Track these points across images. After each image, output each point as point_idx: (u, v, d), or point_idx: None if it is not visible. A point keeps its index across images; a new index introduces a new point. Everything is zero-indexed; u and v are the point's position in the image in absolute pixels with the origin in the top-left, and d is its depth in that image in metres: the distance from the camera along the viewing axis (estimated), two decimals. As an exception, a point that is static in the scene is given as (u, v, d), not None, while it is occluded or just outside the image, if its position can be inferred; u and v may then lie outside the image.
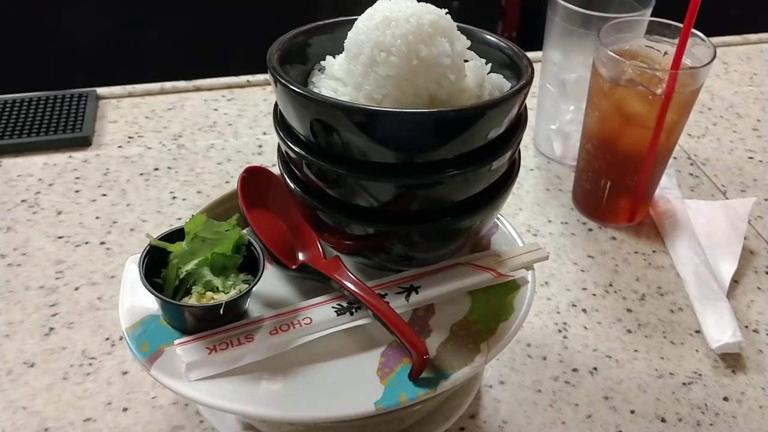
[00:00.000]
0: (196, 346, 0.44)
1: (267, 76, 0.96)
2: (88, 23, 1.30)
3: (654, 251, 0.70)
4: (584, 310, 0.64)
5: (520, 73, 0.46)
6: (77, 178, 0.78)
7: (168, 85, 0.94)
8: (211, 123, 0.88)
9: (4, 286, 0.65)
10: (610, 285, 0.66)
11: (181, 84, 0.94)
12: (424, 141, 0.42)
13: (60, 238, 0.70)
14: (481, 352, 0.45)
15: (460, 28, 0.46)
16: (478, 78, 0.45)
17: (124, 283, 0.49)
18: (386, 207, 0.45)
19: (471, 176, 0.44)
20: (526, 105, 0.45)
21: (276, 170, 0.51)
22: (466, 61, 0.45)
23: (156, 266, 0.47)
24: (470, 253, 0.52)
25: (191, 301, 0.45)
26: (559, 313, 0.63)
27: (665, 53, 0.65)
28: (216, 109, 0.91)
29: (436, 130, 0.42)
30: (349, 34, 0.45)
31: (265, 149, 0.83)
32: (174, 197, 0.76)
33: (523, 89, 0.43)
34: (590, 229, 0.73)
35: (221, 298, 0.45)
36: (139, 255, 0.47)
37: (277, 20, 1.39)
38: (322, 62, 0.48)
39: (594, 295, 0.65)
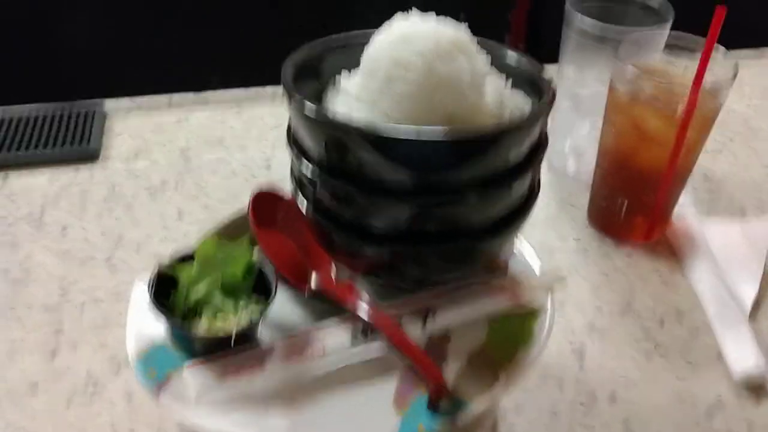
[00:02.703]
0: (205, 372, 0.42)
1: (275, 89, 0.95)
2: (94, 31, 1.29)
3: (671, 271, 0.68)
4: (600, 331, 0.62)
5: (540, 92, 0.45)
6: (83, 192, 0.77)
7: (175, 97, 0.93)
8: (219, 137, 0.87)
9: (6, 303, 0.63)
10: (627, 305, 0.65)
11: (189, 96, 0.93)
12: (441, 163, 0.41)
13: (65, 254, 0.69)
14: (501, 381, 0.44)
15: (479, 43, 0.45)
16: (497, 96, 0.44)
17: (132, 305, 0.47)
18: (402, 228, 0.44)
19: (489, 199, 0.43)
20: (546, 125, 0.44)
21: (285, 186, 0.50)
22: (485, 78, 0.44)
23: (165, 288, 0.46)
24: (486, 274, 0.51)
25: (202, 325, 0.44)
26: (574, 333, 0.62)
27: (685, 68, 0.63)
28: (223, 123, 0.89)
29: (454, 152, 0.40)
30: (366, 49, 0.44)
31: (272, 164, 0.82)
32: (180, 213, 0.74)
33: (544, 111, 0.41)
34: (605, 247, 0.71)
35: (232, 323, 0.43)
36: (148, 278, 0.45)
37: (285, 32, 1.38)
38: (337, 78, 0.47)
39: (610, 315, 0.63)
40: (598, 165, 0.70)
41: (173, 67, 1.12)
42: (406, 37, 0.42)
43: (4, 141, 0.82)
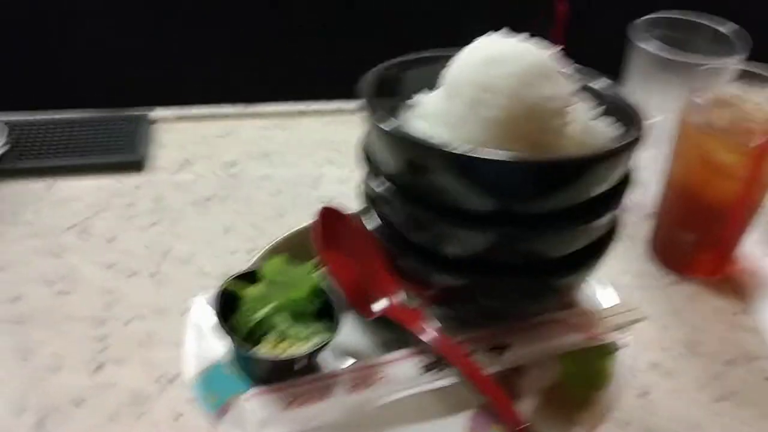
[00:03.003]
0: (269, 400, 0.40)
1: (323, 105, 0.93)
2: (141, 40, 1.28)
3: (739, 310, 0.65)
4: (667, 373, 0.59)
5: (628, 122, 0.42)
6: (128, 203, 0.75)
7: (221, 109, 0.92)
8: (265, 151, 0.85)
9: (52, 315, 0.62)
10: (693, 345, 0.62)
11: (235, 109, 0.92)
12: (525, 191, 0.39)
13: (110, 266, 0.67)
14: (579, 425, 0.41)
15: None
16: (584, 124, 0.42)
17: (190, 325, 0.45)
18: (476, 258, 0.41)
19: (571, 232, 0.41)
20: (634, 158, 0.42)
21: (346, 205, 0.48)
22: (572, 104, 0.42)
23: (225, 309, 0.44)
24: (561, 308, 0.48)
25: (264, 349, 0.42)
26: (637, 373, 0.59)
27: (759, 100, 0.61)
28: (270, 138, 0.88)
29: (540, 180, 0.38)
30: (448, 70, 0.42)
31: (320, 182, 0.80)
32: (227, 229, 0.72)
33: (636, 141, 0.39)
34: (669, 282, 0.68)
35: (297, 349, 0.41)
36: (211, 297, 0.43)
37: (335, 50, 1.37)
38: (413, 97, 0.45)
39: (676, 355, 0.61)
40: (663, 196, 0.67)
41: (221, 79, 1.11)
42: (492, 60, 0.40)
43: (51, 146, 0.81)
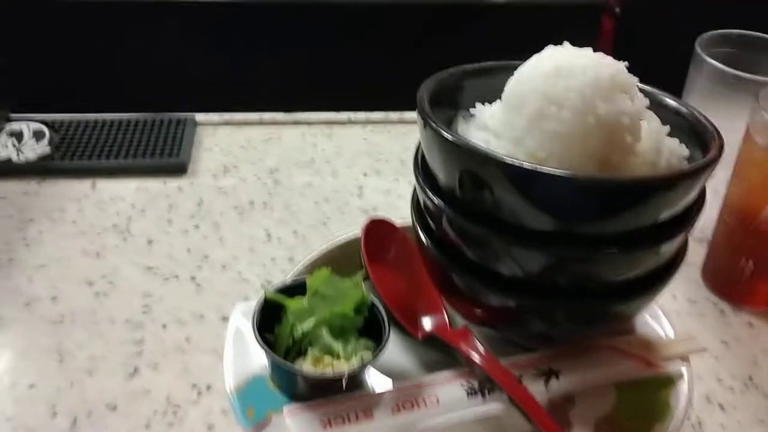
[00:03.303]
0: (308, 418, 0.39)
1: (368, 115, 0.92)
2: (187, 45, 1.29)
3: (797, 344, 0.62)
4: (721, 406, 0.56)
5: (701, 143, 0.40)
6: (170, 206, 0.75)
7: (266, 116, 0.91)
8: (309, 159, 0.84)
9: (90, 316, 0.61)
10: (750, 379, 0.59)
11: (280, 116, 0.91)
12: (589, 211, 0.37)
13: (149, 269, 0.66)
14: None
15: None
16: (654, 142, 0.39)
17: (230, 335, 0.44)
18: (532, 279, 0.39)
19: (634, 257, 0.38)
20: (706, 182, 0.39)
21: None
22: (642, 121, 0.40)
23: (266, 319, 0.42)
24: (616, 336, 0.46)
25: (306, 364, 0.40)
26: (690, 406, 0.56)
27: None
28: (314, 145, 0.87)
29: (606, 200, 0.36)
30: (511, 82, 0.40)
31: (364, 192, 0.79)
32: (269, 235, 0.71)
33: (712, 163, 0.37)
34: (723, 311, 0.65)
35: (340, 365, 0.40)
36: (252, 306, 0.42)
37: (378, 58, 1.37)
38: (471, 110, 0.43)
39: (731, 389, 0.58)
40: (721, 221, 0.64)
41: (263, 88, 1.11)
42: (560, 71, 0.38)
43: (95, 147, 0.81)
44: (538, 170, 0.35)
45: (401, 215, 0.75)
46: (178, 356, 0.58)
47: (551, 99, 0.37)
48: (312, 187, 0.79)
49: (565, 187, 0.35)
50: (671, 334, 0.48)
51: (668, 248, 0.39)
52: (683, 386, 0.43)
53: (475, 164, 0.37)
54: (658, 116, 0.41)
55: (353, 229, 0.72)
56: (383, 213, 0.75)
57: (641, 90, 0.40)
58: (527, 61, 0.41)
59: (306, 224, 0.73)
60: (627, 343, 0.45)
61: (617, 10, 1.77)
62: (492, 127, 0.41)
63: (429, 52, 1.44)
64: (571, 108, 0.37)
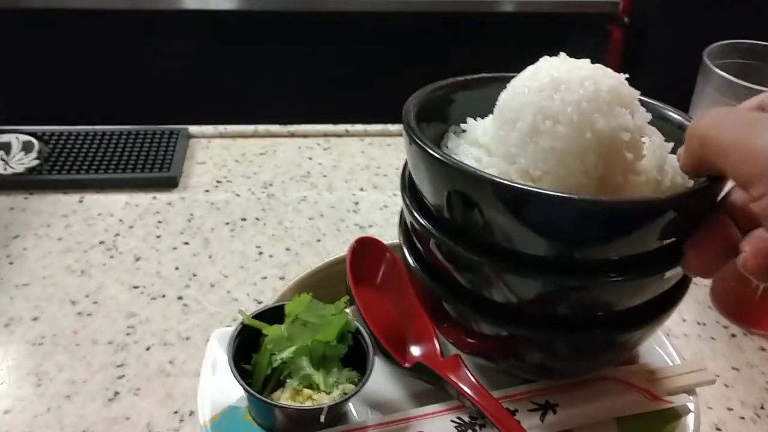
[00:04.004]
0: (286, 455, 0.36)
1: (366, 127, 0.90)
2: (180, 56, 1.28)
3: (811, 369, 0.59)
4: (731, 436, 0.53)
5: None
6: (159, 222, 0.72)
7: (261, 128, 0.89)
8: (304, 173, 0.82)
9: (72, 337, 0.59)
10: (762, 408, 0.56)
11: (275, 128, 0.89)
12: (587, 235, 0.34)
13: (135, 288, 0.64)
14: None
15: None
16: (658, 159, 0.37)
17: (206, 363, 0.42)
18: (527, 306, 0.37)
19: (638, 284, 0.36)
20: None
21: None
22: (644, 136, 0.37)
23: (245, 346, 0.40)
24: (616, 365, 0.43)
25: (285, 395, 0.38)
26: (699, 435, 0.53)
27: None
28: (310, 158, 0.85)
29: (607, 224, 0.33)
30: (503, 95, 0.38)
31: (361, 207, 0.76)
32: (260, 252, 0.69)
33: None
34: (733, 335, 0.62)
35: (321, 398, 0.37)
36: (228, 333, 0.39)
37: (376, 70, 1.35)
38: (461, 125, 0.41)
39: (742, 418, 0.55)
40: (730, 240, 0.62)
41: (259, 100, 1.09)
42: (556, 83, 0.35)
43: (84, 160, 0.79)
44: (531, 190, 0.32)
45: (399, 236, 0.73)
46: (160, 380, 0.55)
47: (547, 113, 0.35)
48: (307, 202, 0.77)
49: (563, 210, 0.32)
50: (678, 361, 0.45)
51: (674, 274, 0.36)
52: (690, 420, 0.40)
53: (465, 184, 0.34)
54: (661, 131, 0.38)
55: (348, 246, 0.70)
56: (380, 229, 0.72)
57: (643, 103, 0.38)
58: (521, 72, 0.38)
59: (300, 241, 0.71)
60: (629, 373, 0.42)
61: (626, 19, 1.74)
62: (484, 143, 0.38)
63: (432, 62, 1.42)
64: (567, 123, 0.34)
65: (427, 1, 1.37)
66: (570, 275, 0.35)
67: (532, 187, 0.33)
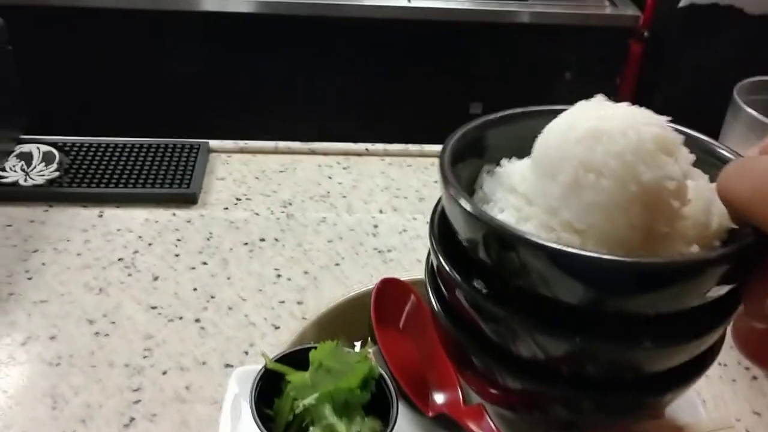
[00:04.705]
0: (307, 506, 0.36)
1: (387, 147, 0.89)
2: (196, 60, 1.27)
3: (836, 417, 0.58)
4: (754, 488, 0.52)
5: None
6: (178, 240, 0.72)
7: (282, 144, 0.88)
8: (324, 192, 0.81)
9: (88, 358, 0.58)
10: (785, 457, 0.55)
11: (295, 145, 0.88)
12: (633, 296, 0.33)
13: (153, 308, 0.64)
14: None
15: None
16: (704, 202, 0.35)
17: (226, 403, 0.41)
18: (555, 363, 0.36)
19: (676, 346, 0.35)
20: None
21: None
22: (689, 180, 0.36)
23: (266, 390, 0.39)
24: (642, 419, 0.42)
25: (306, 444, 0.37)
26: (720, 484, 0.52)
27: None
28: (330, 177, 0.84)
29: (652, 285, 0.32)
30: (541, 143, 0.37)
31: (380, 230, 0.75)
32: (278, 275, 0.68)
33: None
34: (755, 377, 0.61)
35: (344, 447, 0.36)
36: (248, 373, 0.39)
37: (397, 91, 1.34)
38: (496, 168, 0.40)
39: (765, 467, 0.54)
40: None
41: (276, 116, 1.09)
42: (597, 133, 0.34)
43: (104, 173, 0.78)
44: (573, 252, 0.31)
45: (418, 257, 0.72)
46: (176, 406, 0.55)
47: (589, 166, 0.34)
48: (326, 224, 0.76)
49: (607, 273, 0.31)
50: (703, 413, 0.44)
51: (714, 334, 0.36)
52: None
53: (500, 240, 0.33)
54: (704, 167, 0.37)
55: (367, 271, 0.69)
56: (398, 254, 0.72)
57: (685, 138, 0.36)
58: (556, 119, 0.37)
59: (318, 264, 0.70)
60: (657, 427, 0.41)
61: (645, 34, 1.73)
62: (523, 191, 0.37)
63: (453, 76, 1.41)
64: (611, 176, 0.33)
65: (444, 8, 1.35)
66: (603, 336, 0.34)
67: (574, 248, 0.32)
